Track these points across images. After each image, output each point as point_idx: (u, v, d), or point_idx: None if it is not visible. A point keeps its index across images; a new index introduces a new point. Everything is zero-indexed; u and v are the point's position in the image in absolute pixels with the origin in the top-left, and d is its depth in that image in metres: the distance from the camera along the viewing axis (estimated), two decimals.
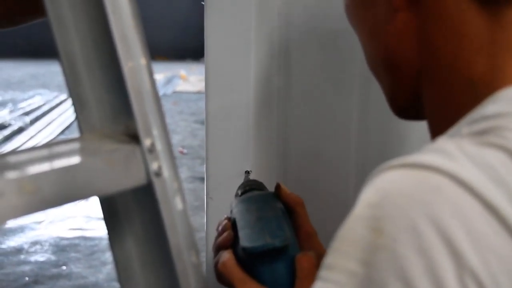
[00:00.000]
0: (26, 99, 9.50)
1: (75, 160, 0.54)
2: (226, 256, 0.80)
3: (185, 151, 6.83)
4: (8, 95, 10.32)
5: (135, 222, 0.63)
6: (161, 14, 14.95)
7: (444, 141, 0.48)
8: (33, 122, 7.88)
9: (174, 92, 11.01)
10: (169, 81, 11.96)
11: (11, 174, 0.49)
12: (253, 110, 1.08)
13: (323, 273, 0.47)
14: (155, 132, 0.59)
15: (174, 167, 0.60)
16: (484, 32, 0.55)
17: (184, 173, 5.97)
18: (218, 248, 0.85)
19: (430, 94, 0.61)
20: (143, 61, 0.58)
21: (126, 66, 0.57)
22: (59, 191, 0.51)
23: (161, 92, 11.15)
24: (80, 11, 0.60)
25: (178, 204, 0.60)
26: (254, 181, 1.01)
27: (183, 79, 11.86)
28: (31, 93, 9.80)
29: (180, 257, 0.60)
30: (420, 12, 0.58)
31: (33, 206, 0.50)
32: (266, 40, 1.06)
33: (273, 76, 1.08)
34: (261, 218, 0.82)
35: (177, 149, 7.01)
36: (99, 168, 0.55)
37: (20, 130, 7.43)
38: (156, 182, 0.59)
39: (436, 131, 0.61)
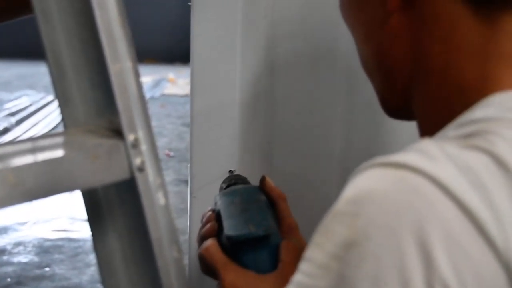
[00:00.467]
0: (12, 100, 9.44)
1: (58, 153, 0.54)
2: (209, 242, 0.81)
3: (171, 154, 6.80)
4: None
5: (117, 217, 0.63)
6: (150, 17, 14.89)
7: (427, 142, 0.49)
8: (18, 123, 7.83)
9: (162, 95, 10.96)
10: (157, 84, 11.91)
11: None
12: (239, 111, 1.08)
13: (302, 265, 0.48)
14: (139, 127, 0.59)
15: (157, 162, 0.61)
16: (476, 38, 0.55)
17: (170, 175, 5.94)
18: (202, 238, 0.86)
19: (421, 97, 0.62)
20: (127, 57, 0.58)
21: (112, 65, 0.57)
22: (42, 184, 0.52)
23: (148, 94, 11.10)
24: (66, 6, 0.60)
25: (161, 199, 0.61)
26: (239, 175, 1.02)
27: (171, 82, 11.81)
28: (17, 93, 9.72)
29: (162, 252, 0.60)
30: (413, 16, 0.59)
31: (16, 197, 0.50)
32: (252, 43, 1.06)
33: (259, 78, 1.08)
34: (245, 210, 0.82)
35: (163, 152, 6.99)
36: (82, 161, 0.55)
37: (5, 131, 7.38)
38: (139, 177, 0.59)
39: (426, 133, 0.61)
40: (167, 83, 11.76)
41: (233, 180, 0.98)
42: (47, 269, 4.21)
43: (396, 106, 0.68)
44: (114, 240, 0.64)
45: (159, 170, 0.61)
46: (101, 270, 0.64)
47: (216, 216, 0.86)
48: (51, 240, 4.63)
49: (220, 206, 0.86)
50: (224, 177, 0.98)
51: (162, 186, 0.61)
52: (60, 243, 4.49)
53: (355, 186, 0.47)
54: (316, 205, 0.93)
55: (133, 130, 0.59)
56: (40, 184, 0.52)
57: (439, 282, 0.41)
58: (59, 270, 4.17)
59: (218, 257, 0.79)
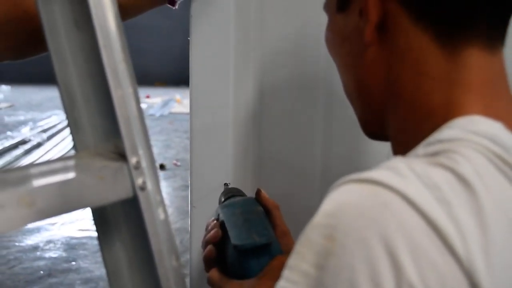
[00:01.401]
0: (44, 119, 9.52)
1: (69, 175, 0.52)
2: (210, 273, 0.82)
3: (179, 163, 6.84)
4: (29, 115, 10.36)
5: (123, 230, 0.62)
6: (160, 48, 15.00)
7: (397, 161, 0.47)
8: (49, 138, 7.93)
9: (170, 113, 11.07)
10: (166, 103, 12.01)
11: (11, 189, 0.48)
12: (232, 131, 1.07)
13: (285, 272, 0.46)
14: (140, 151, 0.58)
15: (157, 182, 0.59)
16: (442, 69, 0.54)
17: (177, 182, 6.01)
18: (207, 243, 0.85)
19: (394, 119, 0.60)
20: (130, 90, 0.57)
21: (116, 95, 0.56)
22: (54, 204, 0.50)
23: (159, 113, 11.19)
24: (76, 46, 0.59)
25: (161, 214, 0.59)
26: (235, 188, 1.01)
27: (178, 102, 11.94)
28: (48, 113, 9.82)
29: (162, 261, 0.59)
30: (387, 48, 0.57)
31: (30, 217, 0.48)
32: (243, 71, 1.05)
33: (249, 102, 1.07)
34: (247, 220, 0.82)
35: (172, 162, 7.02)
36: (90, 182, 0.53)
37: (39, 145, 7.51)
38: (141, 195, 0.57)
39: (398, 151, 0.60)
40: (174, 103, 11.88)
41: (230, 193, 0.97)
42: (73, 263, 4.25)
43: (374, 128, 0.67)
44: (120, 250, 0.62)
45: (158, 189, 0.59)
46: (109, 276, 0.63)
47: (220, 225, 0.85)
48: (76, 238, 4.68)
49: (223, 216, 0.85)
50: (220, 189, 0.98)
51: (162, 202, 0.59)
52: (84, 240, 4.52)
53: (332, 200, 0.46)
54: (300, 214, 0.91)
55: (135, 153, 0.57)
56: (52, 204, 0.50)
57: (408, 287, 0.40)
58: (83, 264, 4.21)
59: (221, 283, 0.80)
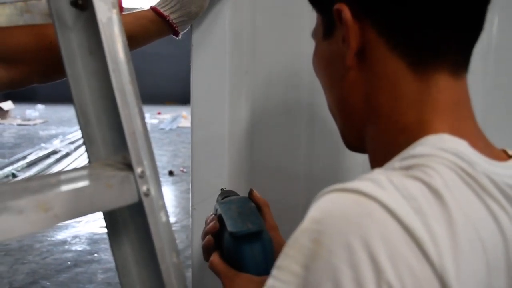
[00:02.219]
0: (72, 132, 9.53)
1: (82, 184, 0.51)
2: (212, 257, 0.80)
3: (185, 170, 6.84)
4: (60, 129, 10.36)
5: (130, 231, 0.60)
6: (170, 72, 15.06)
7: (378, 173, 0.46)
8: (76, 148, 7.93)
9: (178, 127, 11.09)
10: (174, 119, 12.02)
11: (31, 196, 0.46)
12: (227, 143, 1.06)
13: (274, 272, 0.44)
14: (145, 162, 0.56)
15: (159, 188, 0.57)
16: (414, 91, 0.53)
17: (184, 186, 6.01)
18: (206, 233, 0.84)
19: (372, 135, 0.59)
20: (136, 109, 0.56)
21: (123, 113, 0.55)
22: (68, 209, 0.49)
23: (168, 127, 11.19)
24: (90, 72, 0.58)
25: (163, 217, 0.57)
26: (230, 190, 0.99)
27: (184, 118, 11.97)
28: (75, 127, 9.82)
29: (164, 258, 0.57)
30: (366, 71, 0.56)
31: (47, 221, 0.47)
32: (237, 92, 1.05)
33: (242, 119, 1.06)
34: (241, 213, 0.81)
35: (179, 169, 7.01)
36: (100, 190, 0.52)
37: (67, 155, 7.51)
38: (145, 201, 0.56)
39: (375, 164, 0.59)
40: (181, 118, 11.91)
41: (227, 194, 0.96)
42: (96, 255, 4.24)
43: (353, 141, 0.65)
44: (128, 249, 0.61)
45: (160, 194, 0.58)
46: (118, 271, 0.61)
47: (218, 218, 0.84)
48: (99, 234, 4.67)
49: (220, 211, 0.84)
50: (217, 194, 0.96)
51: (164, 207, 0.58)
52: (105, 236, 4.51)
53: (319, 207, 0.44)
54: (286, 212, 0.91)
55: (140, 164, 0.55)
56: (67, 210, 0.49)
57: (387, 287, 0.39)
58: (104, 256, 4.20)
59: (220, 268, 0.78)
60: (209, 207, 1.04)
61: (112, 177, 0.53)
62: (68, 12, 0.57)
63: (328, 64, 0.62)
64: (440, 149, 0.48)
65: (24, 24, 0.62)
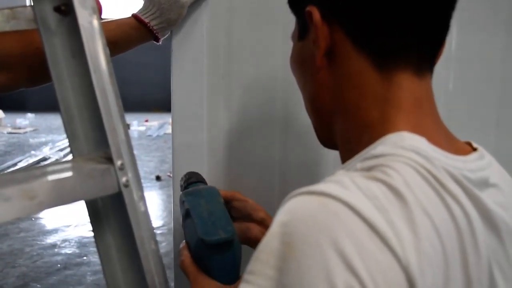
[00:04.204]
0: (61, 140, 9.45)
1: (65, 175, 0.52)
2: (183, 256, 0.76)
3: (172, 175, 6.80)
4: (49, 137, 10.29)
5: (111, 220, 0.62)
6: (157, 81, 15.01)
7: (341, 174, 0.47)
8: (65, 155, 7.87)
9: (165, 134, 11.05)
10: (161, 126, 11.95)
11: (17, 185, 0.48)
12: (206, 146, 1.07)
13: (246, 277, 0.44)
14: (125, 155, 0.58)
15: (139, 180, 0.59)
16: (378, 90, 0.54)
17: (171, 190, 5.88)
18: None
19: (340, 131, 0.60)
20: (116, 107, 0.57)
21: (104, 110, 0.56)
22: (52, 197, 0.50)
23: (155, 134, 11.14)
24: (73, 71, 0.60)
25: (141, 207, 0.59)
26: (194, 173, 0.95)
27: (171, 125, 11.90)
28: (64, 135, 9.67)
29: (143, 245, 0.59)
30: (335, 71, 0.57)
31: (32, 208, 0.49)
32: (215, 97, 1.06)
33: (220, 122, 1.07)
34: (212, 213, 0.76)
35: (166, 174, 6.99)
36: (82, 180, 0.53)
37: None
38: (125, 191, 0.58)
39: (344, 157, 0.60)
40: (168, 125, 11.83)
41: (191, 179, 0.91)
42: (85, 258, 4.23)
43: (326, 138, 0.65)
44: (110, 237, 0.62)
45: (140, 185, 0.59)
46: (101, 258, 0.63)
47: (186, 213, 0.79)
48: (88, 237, 4.64)
49: (188, 205, 0.79)
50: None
51: (142, 197, 0.59)
52: (94, 239, 4.47)
53: (287, 210, 0.45)
54: (262, 203, 0.91)
55: (120, 157, 0.57)
56: (50, 198, 0.50)
57: (358, 282, 0.39)
58: (93, 258, 4.18)
59: (190, 270, 0.74)
60: None
61: (94, 169, 0.55)
62: (51, 17, 0.59)
63: (302, 64, 0.63)
64: (399, 147, 0.49)
65: (10, 30, 0.63)
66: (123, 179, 0.57)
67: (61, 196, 0.51)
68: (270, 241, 0.44)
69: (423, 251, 0.42)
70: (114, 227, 0.62)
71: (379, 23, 0.52)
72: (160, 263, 0.61)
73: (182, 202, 0.82)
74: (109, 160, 0.57)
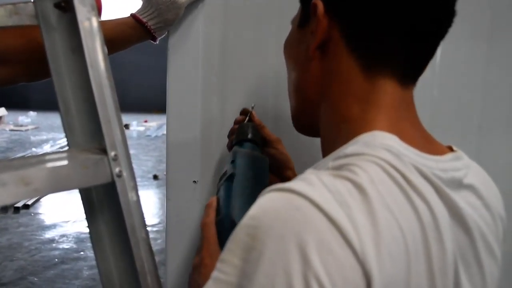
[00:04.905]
0: (62, 138, 9.43)
1: (60, 163, 0.53)
2: (209, 215, 0.74)
3: None
4: (51, 135, 10.27)
5: (104, 208, 0.63)
6: (157, 83, 14.98)
7: (310, 173, 0.48)
8: None
9: (163, 134, 11.01)
10: (160, 126, 11.96)
11: (13, 171, 0.49)
12: (200, 144, 1.08)
13: (218, 265, 0.46)
14: (118, 147, 0.59)
15: (131, 171, 0.60)
16: (361, 90, 0.55)
17: None
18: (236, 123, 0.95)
19: (322, 121, 0.61)
20: (111, 99, 0.58)
21: (99, 103, 0.57)
22: (47, 184, 0.51)
23: (154, 134, 11.12)
24: (71, 66, 0.61)
25: (134, 196, 0.60)
26: (255, 127, 0.94)
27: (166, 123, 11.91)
28: None
29: (134, 233, 0.60)
30: (324, 64, 0.58)
31: (27, 193, 0.50)
32: (208, 96, 1.07)
33: (213, 121, 1.08)
34: (253, 194, 0.72)
35: (163, 173, 6.97)
36: (76, 169, 0.54)
37: None
38: (117, 181, 0.59)
39: (324, 147, 0.61)
40: None
41: (251, 134, 0.90)
42: (82, 253, 4.22)
43: (305, 124, 0.67)
44: (103, 225, 0.63)
45: (132, 176, 0.60)
46: (94, 246, 0.63)
47: (230, 175, 0.77)
48: (85, 233, 4.64)
49: (237, 171, 0.77)
50: (190, 186, 0.96)
51: (135, 187, 0.60)
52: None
53: (257, 205, 0.46)
54: None
55: (114, 148, 0.58)
56: (45, 184, 0.51)
57: (313, 277, 0.40)
58: (90, 254, 4.18)
59: (208, 235, 0.71)
60: (182, 198, 1.07)
61: (88, 159, 0.56)
62: (52, 13, 0.60)
63: (295, 50, 0.64)
64: (370, 146, 0.50)
65: (13, 25, 0.64)
66: (116, 170, 0.58)
67: (55, 183, 0.52)
68: (238, 232, 0.45)
69: (383, 243, 0.43)
70: (107, 216, 0.62)
71: (375, 31, 0.54)
72: (150, 250, 0.62)
73: (234, 157, 0.81)
74: (103, 151, 0.58)
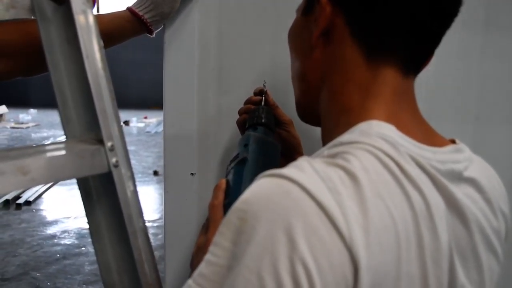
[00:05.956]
0: (62, 135, 9.41)
1: (57, 153, 0.53)
2: (218, 198, 0.74)
3: None
4: (51, 132, 10.28)
5: (102, 198, 0.63)
6: (156, 79, 14.98)
7: (302, 160, 0.48)
8: None
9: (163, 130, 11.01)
10: (159, 123, 11.96)
11: (11, 161, 0.49)
12: (196, 137, 1.08)
13: (210, 247, 0.46)
14: (115, 137, 0.59)
15: (128, 161, 0.60)
16: (363, 79, 0.55)
17: None
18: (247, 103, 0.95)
19: (323, 109, 0.61)
20: (107, 90, 0.58)
21: (95, 94, 0.57)
22: (44, 174, 0.51)
23: (154, 130, 11.12)
24: (68, 58, 0.61)
25: (130, 186, 0.60)
26: (270, 110, 0.93)
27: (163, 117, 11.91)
28: None
29: (131, 223, 0.60)
30: (328, 52, 0.58)
31: (25, 183, 0.50)
32: (204, 90, 1.07)
33: (209, 115, 1.08)
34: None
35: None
36: (73, 160, 0.54)
37: None
38: (114, 171, 0.59)
39: (324, 135, 0.61)
40: None
41: (266, 118, 0.89)
42: (83, 248, 4.24)
43: (307, 110, 0.67)
44: (100, 215, 0.63)
45: (129, 166, 0.60)
46: (92, 236, 0.64)
47: (242, 159, 0.77)
48: (86, 229, 4.62)
49: (250, 156, 0.77)
50: (187, 178, 0.96)
51: (132, 177, 0.61)
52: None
53: (250, 190, 0.46)
54: None
55: (110, 139, 0.58)
56: (43, 174, 0.51)
57: (299, 260, 0.40)
58: (91, 249, 4.16)
59: (215, 217, 0.71)
60: (179, 190, 1.07)
61: (85, 149, 0.56)
62: (47, 5, 0.60)
63: (299, 38, 0.64)
64: (366, 134, 0.50)
65: (10, 19, 0.64)
66: (113, 160, 0.58)
67: (53, 173, 0.52)
68: (230, 216, 0.45)
69: (373, 230, 0.43)
70: (104, 206, 0.63)
71: (380, 21, 0.53)
72: (147, 240, 0.62)
73: (247, 141, 0.80)
74: (100, 141, 0.58)
